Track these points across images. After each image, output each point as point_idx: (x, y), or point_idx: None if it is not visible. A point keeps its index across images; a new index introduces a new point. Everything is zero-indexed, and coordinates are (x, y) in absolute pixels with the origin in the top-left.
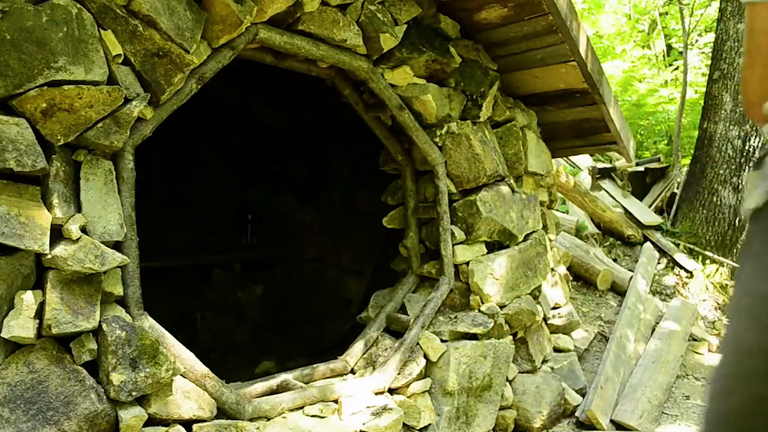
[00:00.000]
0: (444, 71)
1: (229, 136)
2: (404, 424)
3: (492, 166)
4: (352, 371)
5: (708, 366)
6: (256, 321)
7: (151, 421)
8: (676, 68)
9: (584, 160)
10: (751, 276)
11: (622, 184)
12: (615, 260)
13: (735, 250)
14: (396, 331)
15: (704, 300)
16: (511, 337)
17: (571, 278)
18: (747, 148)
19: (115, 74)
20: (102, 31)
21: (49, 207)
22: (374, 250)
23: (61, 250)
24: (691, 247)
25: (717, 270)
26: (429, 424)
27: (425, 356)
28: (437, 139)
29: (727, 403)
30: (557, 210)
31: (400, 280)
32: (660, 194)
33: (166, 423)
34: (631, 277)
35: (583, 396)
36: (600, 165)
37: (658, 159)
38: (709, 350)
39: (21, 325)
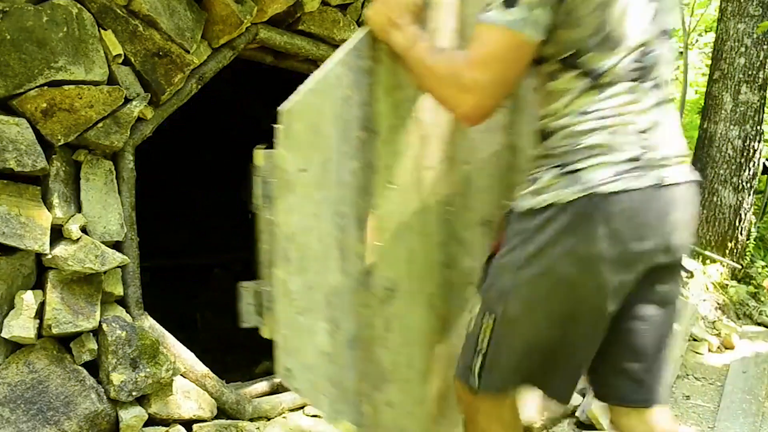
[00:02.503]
0: None
1: (229, 136)
2: None
3: None
4: None
5: (708, 366)
6: None
7: (152, 421)
8: (677, 68)
9: None
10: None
11: None
12: None
13: (735, 250)
14: None
15: (704, 300)
16: None
17: None
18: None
19: (116, 74)
20: (102, 31)
21: (50, 207)
22: None
23: (61, 250)
24: (691, 246)
25: (717, 270)
26: None
27: None
28: None
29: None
30: None
31: None
32: None
33: (166, 423)
34: None
35: (583, 396)
36: None
37: None
38: (710, 350)
39: (21, 325)
